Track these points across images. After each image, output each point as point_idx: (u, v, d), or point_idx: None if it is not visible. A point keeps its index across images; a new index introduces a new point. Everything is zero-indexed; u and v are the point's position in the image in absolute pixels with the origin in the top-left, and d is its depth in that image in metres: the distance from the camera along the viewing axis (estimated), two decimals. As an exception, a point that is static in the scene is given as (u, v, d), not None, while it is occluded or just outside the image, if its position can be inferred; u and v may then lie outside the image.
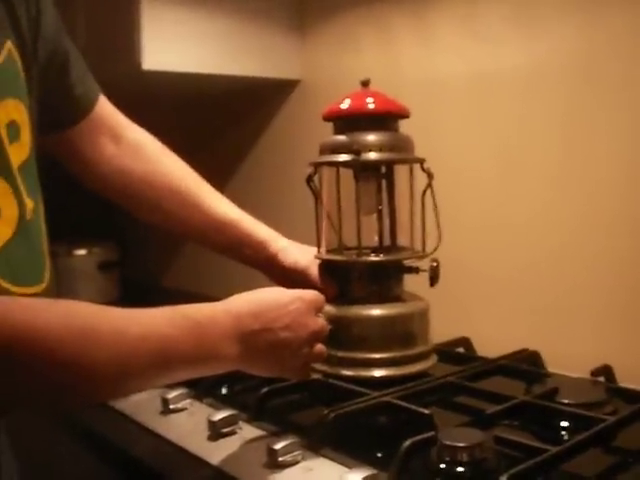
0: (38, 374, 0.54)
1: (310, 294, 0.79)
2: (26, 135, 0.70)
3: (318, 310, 0.79)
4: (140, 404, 0.95)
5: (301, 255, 1.03)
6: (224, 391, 0.99)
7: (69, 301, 0.59)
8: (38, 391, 0.55)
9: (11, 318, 0.52)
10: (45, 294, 0.69)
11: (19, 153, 0.68)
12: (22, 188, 0.67)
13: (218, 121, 1.87)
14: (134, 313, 0.62)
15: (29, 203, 0.69)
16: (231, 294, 0.73)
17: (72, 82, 0.89)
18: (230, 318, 0.69)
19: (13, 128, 0.67)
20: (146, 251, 2.16)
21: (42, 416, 1.01)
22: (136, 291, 1.94)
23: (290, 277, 0.99)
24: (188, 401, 0.95)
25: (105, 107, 0.96)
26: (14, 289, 0.65)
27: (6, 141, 0.66)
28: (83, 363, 0.56)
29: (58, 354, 0.54)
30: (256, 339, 0.71)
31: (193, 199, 1.01)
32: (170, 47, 1.36)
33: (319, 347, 0.78)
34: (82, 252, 1.82)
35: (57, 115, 0.88)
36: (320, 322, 0.78)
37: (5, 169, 0.66)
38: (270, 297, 0.75)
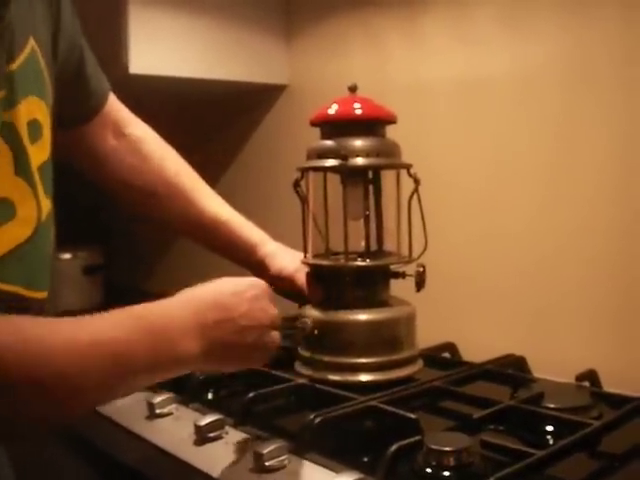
0: None
1: (263, 282, 0.78)
2: (47, 135, 0.69)
3: (271, 298, 0.78)
4: (126, 409, 0.94)
5: (288, 261, 1.02)
6: (210, 396, 0.99)
7: (10, 316, 0.56)
8: None
9: None
10: (47, 301, 0.67)
11: (40, 153, 0.67)
12: (40, 189, 0.66)
13: (205, 126, 1.86)
14: (83, 320, 0.59)
15: (46, 205, 0.67)
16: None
17: (88, 76, 0.89)
18: (188, 312, 0.67)
19: (35, 127, 0.66)
20: (131, 255, 2.15)
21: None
22: (120, 295, 1.93)
23: (276, 283, 0.99)
24: (174, 406, 0.94)
25: (113, 102, 0.97)
26: (24, 292, 0.62)
27: (27, 140, 0.64)
28: (36, 379, 0.53)
29: (11, 373, 0.52)
30: (217, 330, 0.69)
31: (187, 197, 1.01)
32: (157, 51, 1.36)
33: (275, 334, 0.77)
34: (67, 256, 1.81)
35: (74, 111, 0.88)
36: (275, 310, 0.77)
37: (25, 169, 0.64)
38: (225, 286, 0.73)
